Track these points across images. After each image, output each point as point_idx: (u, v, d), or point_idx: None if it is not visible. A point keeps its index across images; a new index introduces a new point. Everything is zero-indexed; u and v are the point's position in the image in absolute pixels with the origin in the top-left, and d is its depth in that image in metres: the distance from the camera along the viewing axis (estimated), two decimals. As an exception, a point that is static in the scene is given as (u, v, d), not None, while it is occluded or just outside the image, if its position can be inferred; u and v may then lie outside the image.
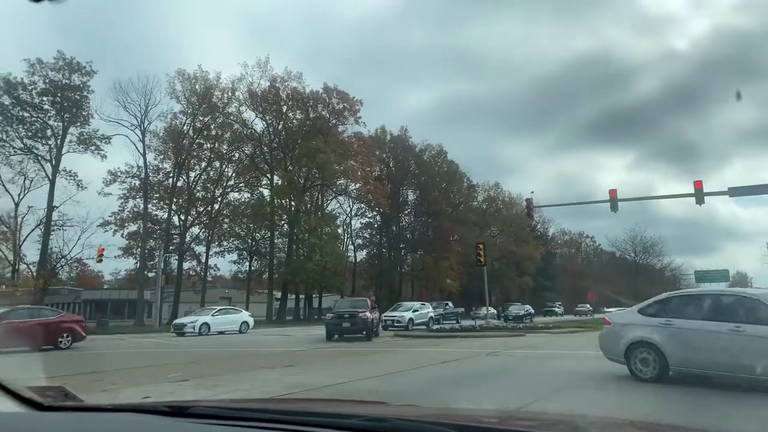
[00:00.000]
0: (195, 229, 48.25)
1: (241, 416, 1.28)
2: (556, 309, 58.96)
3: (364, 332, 19.68)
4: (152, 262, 43.93)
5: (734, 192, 23.30)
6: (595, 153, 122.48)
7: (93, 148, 41.35)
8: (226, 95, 47.47)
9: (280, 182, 48.37)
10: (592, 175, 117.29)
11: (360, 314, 19.69)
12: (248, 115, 49.21)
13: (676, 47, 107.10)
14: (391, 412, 1.19)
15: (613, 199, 24.88)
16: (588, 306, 61.01)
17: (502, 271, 69.74)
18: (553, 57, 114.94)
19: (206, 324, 26.96)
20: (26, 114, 39.01)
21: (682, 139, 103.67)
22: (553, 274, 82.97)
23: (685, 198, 25.29)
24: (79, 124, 40.87)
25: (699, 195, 22.93)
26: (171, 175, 46.40)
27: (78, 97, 40.37)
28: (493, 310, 46.10)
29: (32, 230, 39.39)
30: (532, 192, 54.68)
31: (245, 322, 28.96)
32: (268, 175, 50.08)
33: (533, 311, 47.68)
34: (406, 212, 66.33)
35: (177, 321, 29.35)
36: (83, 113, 40.82)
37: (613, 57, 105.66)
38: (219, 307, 31.39)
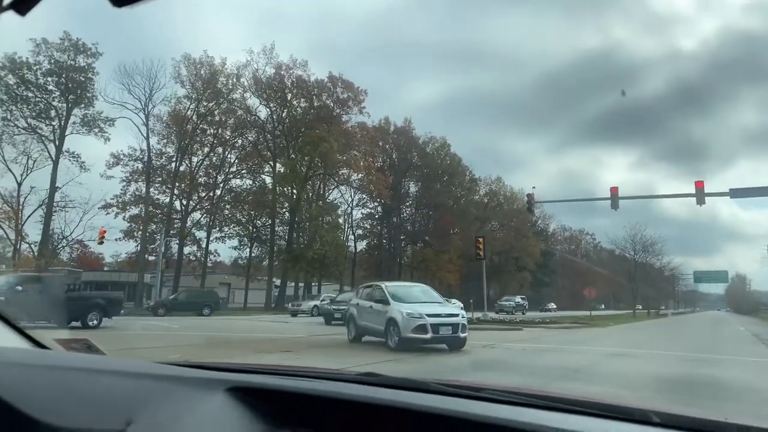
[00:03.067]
0: (196, 215, 48.41)
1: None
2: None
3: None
4: (153, 246, 44.11)
5: (735, 193, 23.34)
6: (598, 150, 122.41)
7: (96, 130, 41.46)
8: (231, 81, 47.44)
9: (282, 170, 48.41)
10: (595, 173, 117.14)
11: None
12: (252, 101, 49.22)
13: (683, 47, 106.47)
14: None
15: (614, 197, 24.91)
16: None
17: (502, 265, 69.86)
18: (561, 53, 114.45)
19: None
20: (30, 94, 39.02)
21: (686, 139, 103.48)
22: (552, 270, 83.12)
23: (687, 198, 25.32)
24: (83, 105, 40.92)
25: (700, 195, 22.94)
26: (174, 159, 46.47)
27: (83, 79, 40.36)
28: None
29: (34, 210, 39.58)
30: (534, 187, 54.72)
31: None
32: (271, 163, 50.12)
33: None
34: (408, 204, 66.37)
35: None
36: (87, 95, 40.85)
37: (620, 55, 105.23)
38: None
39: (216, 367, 1.38)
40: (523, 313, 46.33)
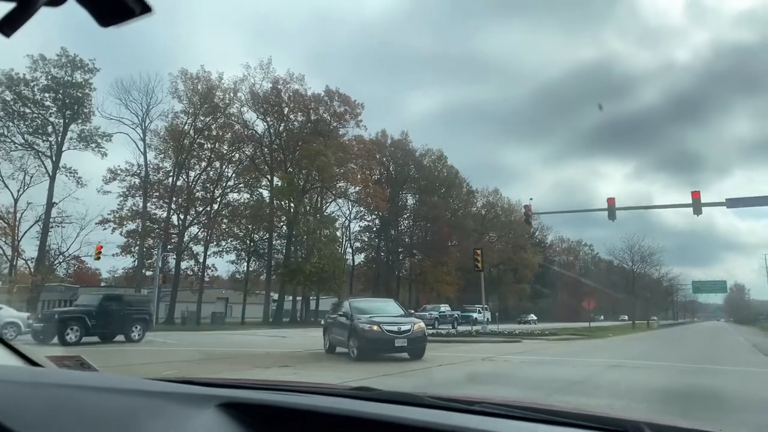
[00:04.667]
0: (194, 229, 48.28)
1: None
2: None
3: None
4: (150, 261, 43.96)
5: (732, 203, 23.41)
6: (595, 162, 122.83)
7: (94, 145, 41.49)
8: (228, 96, 47.62)
9: (279, 184, 48.45)
10: (592, 184, 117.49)
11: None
12: (249, 116, 49.42)
13: (677, 59, 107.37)
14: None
15: (611, 208, 24.97)
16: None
17: (500, 277, 69.79)
18: (557, 66, 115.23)
19: None
20: (27, 110, 39.11)
21: (682, 149, 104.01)
22: (551, 282, 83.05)
23: (684, 208, 25.40)
24: (80, 121, 41.00)
25: (696, 205, 23.03)
26: (171, 174, 46.48)
27: (80, 95, 40.48)
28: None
29: (31, 226, 39.46)
30: (531, 199, 54.63)
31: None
32: (268, 177, 50.16)
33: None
34: (405, 216, 66.44)
35: None
36: (85, 110, 40.94)
37: (616, 67, 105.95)
38: None
39: (207, 383, 1.38)
40: (454, 324, 35.79)
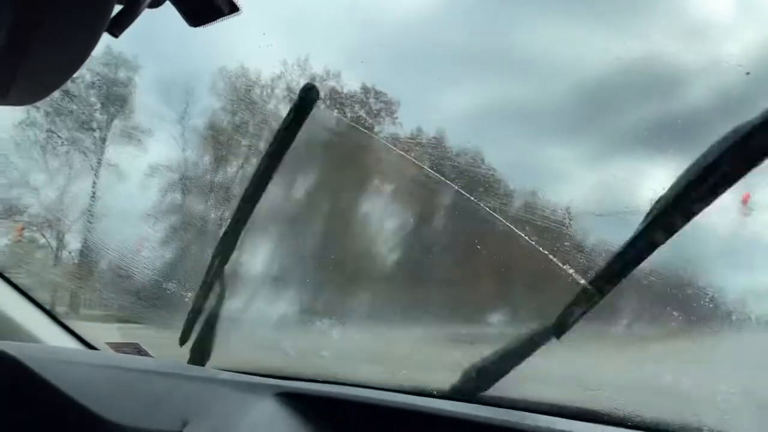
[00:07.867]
0: (231, 225, 49.63)
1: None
2: None
3: None
4: (188, 255, 45.47)
5: (784, 205, 22.68)
6: (638, 162, 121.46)
7: (135, 141, 43.07)
8: (265, 92, 48.64)
9: (315, 180, 49.41)
10: (635, 185, 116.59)
11: None
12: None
13: (726, 55, 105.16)
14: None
15: (655, 208, 24.56)
16: None
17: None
18: (598, 61, 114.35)
19: None
20: (74, 106, 40.76)
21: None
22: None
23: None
24: (122, 117, 42.60)
25: (745, 207, 22.41)
26: (209, 170, 47.90)
27: (123, 92, 41.98)
28: None
29: (75, 220, 41.27)
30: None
31: None
32: (304, 173, 51.17)
33: None
34: (440, 215, 67.05)
35: None
36: (127, 107, 42.50)
37: (661, 63, 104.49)
38: None
39: (265, 374, 1.41)
40: None
